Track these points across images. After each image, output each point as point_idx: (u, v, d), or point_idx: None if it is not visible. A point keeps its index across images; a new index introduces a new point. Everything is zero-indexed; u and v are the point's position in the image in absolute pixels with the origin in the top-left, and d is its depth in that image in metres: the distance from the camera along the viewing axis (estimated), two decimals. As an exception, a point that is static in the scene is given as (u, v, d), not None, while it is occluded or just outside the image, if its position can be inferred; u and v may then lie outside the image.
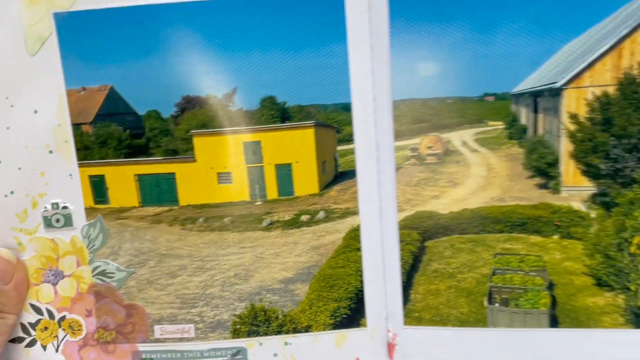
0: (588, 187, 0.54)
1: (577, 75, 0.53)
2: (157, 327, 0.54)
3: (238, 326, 0.55)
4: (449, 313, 0.55)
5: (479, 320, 0.55)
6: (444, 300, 0.56)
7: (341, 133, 0.54)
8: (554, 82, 0.53)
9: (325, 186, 0.55)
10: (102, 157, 0.54)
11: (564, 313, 0.54)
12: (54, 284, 0.53)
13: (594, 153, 0.53)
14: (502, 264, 0.56)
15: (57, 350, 0.54)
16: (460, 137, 0.55)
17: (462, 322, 0.55)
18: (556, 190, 0.54)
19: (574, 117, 0.53)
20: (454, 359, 0.55)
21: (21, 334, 0.53)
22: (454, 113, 0.54)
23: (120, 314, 0.54)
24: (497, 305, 0.55)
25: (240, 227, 0.55)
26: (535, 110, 0.54)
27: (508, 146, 0.55)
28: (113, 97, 0.52)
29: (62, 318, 0.54)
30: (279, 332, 0.55)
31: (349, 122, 0.53)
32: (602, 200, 0.54)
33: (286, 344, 0.54)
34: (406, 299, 0.55)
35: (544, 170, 0.54)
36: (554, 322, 0.54)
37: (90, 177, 0.53)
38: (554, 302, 0.55)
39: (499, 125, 0.55)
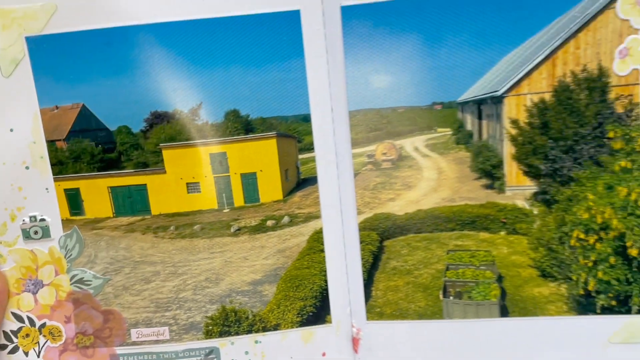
0: (530, 186, 0.55)
1: (516, 84, 0.53)
2: (133, 331, 0.54)
3: (210, 327, 0.54)
4: (407, 307, 0.55)
5: (436, 313, 0.55)
6: (402, 296, 0.55)
7: (302, 142, 0.54)
8: (496, 91, 0.54)
9: (289, 193, 0.56)
10: (76, 171, 0.53)
11: (512, 303, 0.55)
12: (34, 293, 0.53)
13: (534, 155, 0.54)
14: (454, 259, 0.56)
15: (38, 356, 0.53)
16: (412, 144, 0.56)
17: (420, 315, 0.55)
18: (501, 190, 0.55)
19: (514, 122, 0.54)
20: (414, 350, 0.55)
21: (4, 341, 0.53)
22: (406, 121, 0.54)
23: (98, 320, 0.54)
24: (451, 298, 0.56)
25: (210, 234, 0.55)
26: (480, 117, 0.55)
27: (456, 150, 0.55)
28: (85, 115, 0.52)
29: (43, 325, 0.53)
30: (249, 332, 0.54)
31: (309, 132, 0.53)
32: (543, 198, 0.54)
33: (256, 342, 0.54)
34: (368, 295, 0.55)
35: (490, 172, 0.55)
36: (504, 312, 0.55)
37: (66, 190, 0.53)
38: (503, 294, 0.55)
39: (447, 131, 0.55)
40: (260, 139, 0.54)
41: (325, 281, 0.55)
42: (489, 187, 0.55)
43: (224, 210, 0.55)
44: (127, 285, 0.54)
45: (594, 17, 0.51)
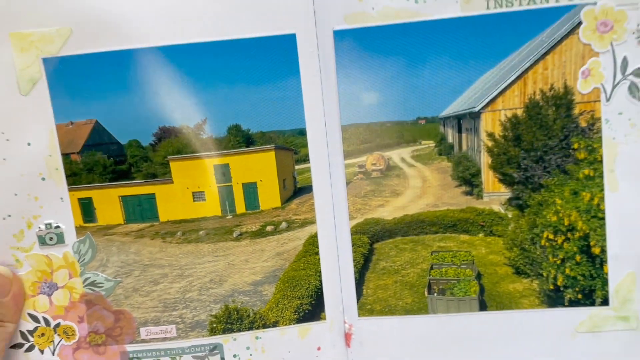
0: (505, 192, 0.55)
1: (492, 101, 0.54)
2: (142, 329, 0.54)
3: (214, 325, 0.54)
4: (396, 304, 0.55)
5: (421, 309, 0.55)
6: (391, 293, 0.56)
7: (298, 154, 0.54)
8: (474, 107, 0.54)
9: (286, 200, 0.55)
10: (89, 182, 0.53)
11: (490, 298, 0.55)
12: (49, 295, 0.53)
13: (508, 164, 0.54)
14: (438, 259, 0.56)
15: (53, 354, 0.53)
16: (399, 155, 0.56)
17: (407, 311, 0.55)
18: (479, 196, 0.55)
19: (490, 135, 0.54)
20: (402, 343, 0.55)
21: (20, 340, 0.53)
22: (393, 134, 0.54)
23: (110, 319, 0.54)
24: (435, 294, 0.56)
25: (214, 239, 0.55)
26: (460, 131, 0.55)
27: (438, 161, 0.56)
28: (98, 130, 0.52)
29: (57, 325, 0.53)
30: (250, 328, 0.55)
31: (305, 145, 0.53)
32: (516, 203, 0.55)
33: (257, 338, 0.54)
34: (359, 293, 0.55)
35: (469, 180, 0.55)
36: (483, 306, 0.55)
37: (80, 199, 0.52)
38: (482, 290, 0.55)
39: (431, 143, 0.55)
40: (260, 151, 0.54)
41: (320, 281, 0.55)
42: (468, 193, 0.55)
43: (227, 217, 0.55)
44: (137, 287, 0.54)
45: (559, 42, 0.51)
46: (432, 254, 0.56)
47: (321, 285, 0.54)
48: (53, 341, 0.53)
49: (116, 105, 0.52)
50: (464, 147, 0.56)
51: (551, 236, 0.54)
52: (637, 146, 0.50)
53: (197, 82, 0.52)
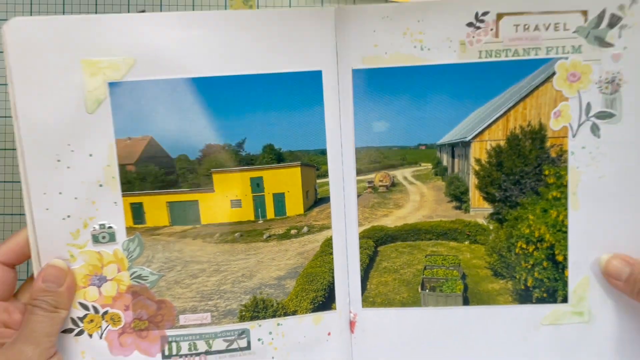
0: (488, 208, 0.56)
1: (480, 133, 0.55)
2: (181, 316, 0.55)
3: (244, 313, 0.55)
4: (394, 297, 0.57)
5: (415, 302, 0.56)
6: (390, 289, 0.57)
7: (319, 170, 0.55)
8: (465, 137, 0.55)
9: (308, 209, 0.56)
10: (141, 189, 0.53)
11: (472, 295, 0.56)
12: (99, 286, 0.54)
13: (491, 185, 0.56)
14: (430, 262, 0.57)
15: (100, 338, 0.54)
16: (402, 174, 0.57)
17: (403, 304, 0.56)
18: (467, 210, 0.56)
19: (478, 161, 0.56)
20: (398, 330, 0.56)
21: (71, 326, 0.54)
22: (398, 157, 0.56)
23: (152, 308, 0.55)
24: (427, 291, 0.57)
25: (247, 240, 0.56)
26: (453, 156, 0.57)
27: (434, 180, 0.57)
28: (152, 145, 0.53)
29: (105, 312, 0.54)
30: (273, 316, 0.56)
31: (325, 163, 0.55)
32: (497, 217, 0.56)
33: (278, 324, 0.56)
34: (364, 288, 0.57)
35: (459, 197, 0.57)
36: (466, 302, 0.56)
37: (131, 204, 0.53)
38: (466, 288, 0.56)
39: (429, 166, 0.57)
40: (288, 167, 0.55)
41: (332, 277, 0.56)
42: (457, 208, 0.56)
43: (259, 222, 0.56)
44: (178, 280, 0.55)
45: (537, 87, 0.53)
46: (426, 257, 0.57)
47: (333, 280, 0.56)
48: (101, 326, 0.54)
49: (169, 125, 0.53)
50: (456, 170, 0.57)
51: (524, 245, 0.55)
52: (596, 174, 0.53)
53: (239, 108, 0.54)
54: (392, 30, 0.53)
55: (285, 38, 0.52)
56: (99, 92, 0.51)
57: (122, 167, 0.53)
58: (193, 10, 0.59)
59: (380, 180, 0.57)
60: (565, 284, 0.55)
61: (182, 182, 0.54)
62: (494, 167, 0.56)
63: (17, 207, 0.64)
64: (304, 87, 0.54)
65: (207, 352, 0.55)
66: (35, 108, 0.50)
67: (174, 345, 0.55)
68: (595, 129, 0.53)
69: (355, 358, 0.57)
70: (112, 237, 0.53)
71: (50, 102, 0.51)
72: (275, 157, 0.55)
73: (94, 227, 0.53)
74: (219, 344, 0.55)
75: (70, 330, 0.54)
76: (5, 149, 0.63)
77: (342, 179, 0.56)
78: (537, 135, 0.55)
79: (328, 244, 0.56)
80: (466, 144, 0.56)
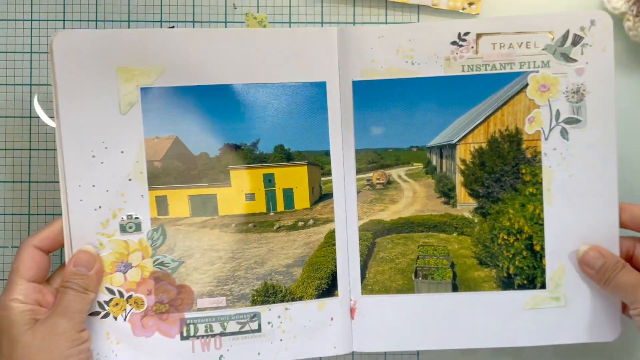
0: (472, 203, 0.58)
1: (465, 136, 0.57)
2: (199, 300, 0.56)
3: (255, 297, 0.57)
4: (390, 285, 0.58)
5: (409, 289, 0.58)
6: (387, 277, 0.58)
7: (324, 169, 0.57)
8: (452, 140, 0.57)
9: (314, 203, 0.58)
10: (165, 183, 0.55)
11: (460, 282, 0.58)
12: (124, 272, 0.55)
13: (475, 183, 0.58)
14: (423, 252, 0.58)
15: (125, 320, 0.55)
16: (397, 173, 0.59)
17: (399, 291, 0.58)
18: (454, 205, 0.58)
19: (463, 161, 0.58)
20: (394, 315, 0.57)
21: (98, 309, 0.55)
22: (393, 158, 0.58)
23: (173, 292, 0.56)
24: (420, 279, 0.58)
25: (259, 230, 0.57)
26: (441, 157, 0.58)
27: (425, 178, 0.59)
28: (177, 144, 0.55)
29: (130, 296, 0.55)
30: (282, 301, 0.57)
31: (329, 163, 0.57)
32: (481, 212, 0.58)
33: (286, 309, 0.57)
34: (363, 276, 0.58)
35: (447, 193, 0.58)
36: (455, 288, 0.57)
37: (156, 196, 0.55)
38: (454, 276, 0.58)
39: (420, 165, 0.58)
40: (297, 165, 0.57)
41: (335, 266, 0.57)
42: (446, 203, 0.58)
43: (270, 214, 0.58)
44: (197, 267, 0.57)
45: (512, 97, 0.56)
46: (418, 248, 0.58)
47: (336, 269, 0.57)
48: (125, 309, 0.55)
49: (192, 126, 0.55)
50: (444, 169, 0.59)
51: (505, 237, 0.57)
52: (566, 173, 0.56)
53: (254, 112, 0.56)
54: (386, 48, 0.56)
55: (294, 53, 0.55)
56: (132, 96, 0.54)
57: (149, 163, 0.55)
58: (217, 27, 0.62)
59: (378, 179, 0.59)
60: (543, 272, 0.57)
61: (203, 178, 0.56)
62: (477, 166, 0.58)
63: (25, 207, 0.63)
64: (311, 96, 0.56)
65: (221, 334, 0.56)
66: (75, 109, 0.53)
67: (191, 327, 0.56)
68: (564, 133, 0.56)
69: (355, 341, 0.58)
70: (138, 227, 0.55)
71: (88, 104, 0.53)
72: (285, 156, 0.57)
73: (122, 218, 0.55)
74: (232, 326, 0.57)
75: (97, 313, 0.55)
76: (12, 149, 0.63)
77: (344, 177, 0.57)
78: (514, 138, 0.57)
79: (331, 235, 0.57)
80: (452, 146, 0.58)
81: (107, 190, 0.54)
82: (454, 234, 0.58)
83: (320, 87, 0.56)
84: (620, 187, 0.56)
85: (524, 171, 0.57)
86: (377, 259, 0.59)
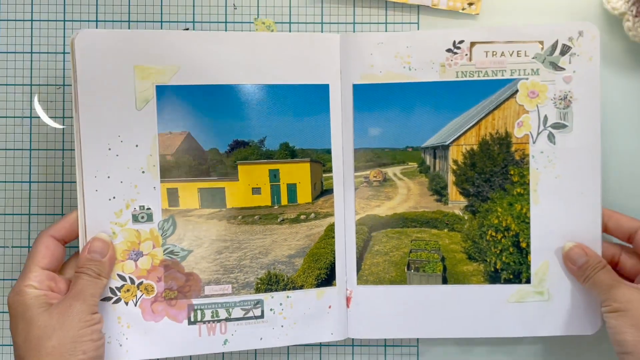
0: (463, 201, 0.58)
1: (457, 138, 0.58)
2: (206, 287, 0.56)
3: (259, 285, 0.57)
4: (384, 276, 0.58)
5: (402, 281, 0.58)
6: (381, 269, 0.59)
7: (325, 166, 0.58)
8: (445, 142, 0.58)
9: (315, 198, 0.59)
10: (177, 176, 0.56)
11: (450, 275, 0.58)
12: (135, 260, 0.55)
13: (466, 182, 0.58)
14: (415, 246, 0.59)
15: (135, 305, 0.55)
16: (393, 171, 0.59)
17: (392, 282, 0.58)
18: (446, 203, 0.59)
19: (455, 161, 0.58)
20: (387, 304, 0.58)
21: (110, 295, 0.56)
22: (389, 157, 0.59)
23: (182, 280, 0.56)
24: (412, 271, 0.58)
25: (264, 222, 0.58)
26: (435, 157, 0.59)
27: (419, 177, 0.59)
28: (189, 139, 0.55)
29: (140, 283, 0.55)
30: (284, 289, 0.57)
31: (330, 160, 0.58)
32: (471, 209, 0.58)
33: (287, 297, 0.57)
34: (359, 268, 0.58)
35: (439, 191, 0.59)
36: (445, 281, 0.58)
37: (168, 189, 0.55)
38: (444, 269, 0.58)
39: (415, 165, 0.59)
40: (300, 162, 0.57)
41: (334, 257, 0.58)
42: (438, 200, 0.59)
43: (275, 207, 0.58)
44: (205, 256, 0.57)
45: (503, 102, 0.56)
46: (411, 242, 0.59)
47: (334, 260, 0.58)
48: (136, 295, 0.55)
49: (204, 123, 0.55)
50: (437, 169, 0.59)
51: (493, 234, 0.57)
52: (552, 175, 0.56)
53: (261, 111, 0.57)
54: (385, 54, 0.57)
55: (299, 57, 0.56)
56: (147, 93, 0.54)
57: (162, 156, 0.55)
58: (217, 27, 0.62)
59: (375, 176, 0.59)
60: (528, 267, 0.57)
61: (212, 172, 0.57)
62: (469, 167, 0.59)
63: (25, 207, 0.62)
64: (314, 97, 0.57)
65: (227, 319, 0.57)
66: (93, 104, 0.53)
67: (198, 312, 0.56)
68: (551, 137, 0.57)
69: (351, 329, 0.59)
70: (149, 217, 0.56)
71: (106, 99, 0.54)
72: (290, 153, 0.57)
73: (134, 208, 0.55)
74: (237, 312, 0.57)
75: (109, 299, 0.55)
76: (12, 149, 0.62)
77: (343, 174, 0.58)
78: (504, 141, 0.58)
79: (331, 228, 0.58)
80: (445, 147, 0.59)
81: (121, 182, 0.55)
82: (445, 230, 0.59)
83: (324, 89, 0.57)
84: (620, 187, 0.57)
85: (512, 172, 0.57)
86: (373, 251, 0.59)
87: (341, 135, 0.58)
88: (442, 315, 0.58)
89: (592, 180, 0.56)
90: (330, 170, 0.58)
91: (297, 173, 0.58)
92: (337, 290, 0.58)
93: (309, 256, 0.58)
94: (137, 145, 0.55)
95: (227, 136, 0.56)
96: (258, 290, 0.57)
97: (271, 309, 0.57)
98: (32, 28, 0.60)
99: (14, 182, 0.61)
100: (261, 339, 0.57)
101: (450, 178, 0.59)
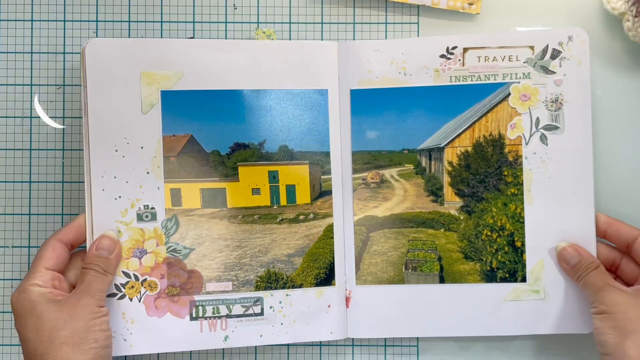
0: (459, 202, 0.59)
1: (452, 140, 0.59)
2: (208, 284, 0.58)
3: (259, 283, 0.58)
4: (382, 276, 0.59)
5: (400, 280, 0.59)
6: (379, 269, 0.59)
7: (324, 168, 0.59)
8: (440, 144, 0.59)
9: (314, 199, 0.60)
10: (180, 177, 0.58)
11: (447, 275, 0.59)
12: (140, 258, 0.57)
13: (461, 183, 0.59)
14: (413, 246, 0.60)
15: (139, 301, 0.57)
16: (390, 173, 0.60)
17: (390, 282, 0.59)
18: (442, 203, 0.60)
19: (450, 163, 0.59)
20: (386, 304, 0.59)
21: (115, 291, 0.57)
22: (386, 159, 0.60)
23: (184, 277, 0.58)
24: (410, 270, 0.59)
25: (264, 222, 0.59)
26: (430, 159, 0.60)
27: (415, 178, 0.60)
28: (192, 141, 0.57)
29: (144, 280, 0.57)
30: (283, 288, 0.58)
31: (328, 162, 0.59)
32: (466, 209, 0.59)
33: (287, 295, 0.58)
34: (357, 268, 0.59)
35: (435, 192, 0.60)
36: (442, 280, 0.59)
37: (171, 189, 0.57)
38: (441, 269, 0.59)
39: (411, 166, 0.60)
40: (299, 164, 0.59)
41: (333, 257, 0.59)
42: (434, 201, 0.60)
43: (274, 207, 0.60)
44: (206, 254, 0.58)
45: (496, 105, 0.58)
46: (408, 242, 0.59)
47: (333, 260, 0.59)
48: (140, 292, 0.57)
49: (206, 126, 0.57)
50: (433, 170, 0.60)
51: (489, 233, 0.58)
52: (545, 175, 0.57)
53: (262, 115, 0.58)
54: (381, 60, 0.58)
55: (299, 63, 0.58)
56: (153, 98, 0.56)
57: (166, 158, 0.57)
58: (218, 27, 0.61)
59: (372, 178, 0.60)
60: (523, 266, 0.58)
61: (214, 173, 0.58)
62: (463, 168, 0.59)
63: (25, 207, 0.62)
64: (313, 102, 0.59)
65: (227, 316, 0.58)
66: (102, 108, 0.56)
67: (200, 308, 0.58)
68: (543, 138, 0.58)
69: (350, 328, 0.59)
70: (153, 217, 0.57)
71: (113, 103, 0.56)
72: (289, 155, 0.59)
73: (139, 207, 0.57)
74: (237, 309, 0.58)
75: (114, 295, 0.57)
76: (12, 149, 0.62)
77: (342, 176, 0.60)
78: (497, 143, 0.59)
79: (330, 229, 0.59)
80: (441, 149, 0.60)
81: (127, 182, 0.56)
82: (442, 230, 0.60)
83: (322, 94, 0.58)
84: (621, 187, 0.58)
85: (506, 173, 0.58)
86: (371, 251, 0.60)
87: (340, 138, 0.59)
88: (440, 314, 0.58)
89: (585, 180, 0.57)
90: (328, 172, 0.59)
91: (296, 174, 0.59)
92: (336, 290, 0.59)
93: (308, 256, 0.59)
94: (142, 147, 0.56)
95: (228, 139, 0.58)
96: (258, 288, 0.58)
97: (271, 307, 0.58)
98: (32, 28, 0.60)
99: (14, 182, 0.61)
100: (261, 336, 0.58)
101: (446, 179, 0.59)
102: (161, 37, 0.60)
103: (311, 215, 0.59)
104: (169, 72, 0.56)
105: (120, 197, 0.56)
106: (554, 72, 0.58)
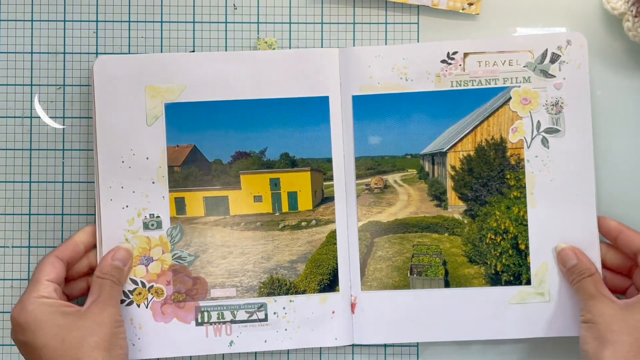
0: (462, 206, 0.63)
1: (454, 145, 0.63)
2: (212, 290, 0.63)
3: (262, 289, 0.63)
4: (387, 282, 0.63)
5: (405, 285, 0.63)
6: (384, 274, 0.63)
7: (326, 175, 0.63)
8: (442, 148, 0.63)
9: (316, 205, 0.64)
10: (184, 186, 0.63)
11: (452, 279, 0.63)
12: (146, 265, 0.63)
13: (465, 187, 0.63)
14: (417, 250, 0.63)
15: (146, 307, 0.63)
16: (393, 178, 0.64)
17: (395, 287, 0.63)
18: (445, 208, 0.63)
19: (453, 167, 0.64)
20: (391, 309, 0.63)
21: (123, 298, 0.62)
22: (389, 164, 0.64)
23: (189, 283, 0.63)
24: (415, 275, 0.63)
25: (266, 228, 0.64)
26: (433, 163, 0.64)
27: (419, 183, 0.64)
28: (194, 151, 0.62)
29: (151, 286, 0.63)
30: (286, 294, 0.63)
31: (331, 169, 0.63)
32: (470, 213, 0.63)
33: (290, 301, 0.63)
34: (362, 274, 0.63)
35: (439, 197, 0.64)
36: (447, 284, 0.63)
37: (175, 198, 0.63)
38: (446, 273, 0.63)
39: (414, 171, 0.64)
40: (300, 171, 0.64)
41: (336, 263, 0.63)
42: (438, 206, 0.64)
43: (276, 214, 0.64)
44: (210, 260, 0.63)
45: (497, 109, 0.62)
46: (413, 247, 0.63)
47: (337, 266, 0.63)
48: (147, 298, 0.62)
49: (209, 136, 0.63)
50: (436, 175, 0.64)
51: (493, 236, 0.62)
52: (547, 178, 0.62)
53: (263, 124, 0.63)
54: (383, 66, 0.63)
55: (300, 71, 0.62)
56: (157, 110, 0.62)
57: (170, 168, 0.62)
58: (218, 27, 0.66)
59: (375, 183, 0.64)
60: (528, 269, 0.62)
61: (216, 181, 0.63)
62: (466, 172, 0.63)
63: (25, 207, 0.66)
64: (315, 109, 0.63)
65: (232, 321, 0.63)
66: (109, 121, 0.62)
67: (205, 314, 0.63)
68: (544, 142, 0.62)
69: (356, 334, 0.63)
70: (159, 225, 0.63)
71: (120, 116, 0.62)
72: (290, 163, 0.63)
73: (145, 216, 0.62)
74: (241, 315, 0.63)
75: (122, 301, 0.62)
76: (12, 149, 0.66)
77: (345, 182, 0.63)
78: (499, 146, 0.63)
79: (332, 235, 0.63)
80: (443, 154, 0.63)
81: (133, 192, 0.62)
82: (446, 234, 0.63)
83: (324, 101, 0.63)
84: (622, 187, 0.62)
85: (508, 176, 0.62)
86: (376, 257, 0.63)
87: (342, 144, 0.63)
88: (446, 318, 0.62)
89: (586, 182, 0.61)
90: (330, 178, 0.63)
91: (298, 181, 0.63)
92: (340, 296, 0.63)
93: (311, 262, 0.63)
94: (147, 158, 0.62)
95: (229, 148, 0.63)
96: (261, 294, 0.63)
97: (275, 313, 0.63)
98: (32, 28, 0.64)
99: (14, 182, 0.65)
100: (265, 341, 0.63)
101: (449, 183, 0.63)
102: (161, 37, 0.64)
103: (313, 222, 0.63)
104: (173, 85, 0.62)
105: (127, 206, 0.62)
106: (554, 76, 0.62)
